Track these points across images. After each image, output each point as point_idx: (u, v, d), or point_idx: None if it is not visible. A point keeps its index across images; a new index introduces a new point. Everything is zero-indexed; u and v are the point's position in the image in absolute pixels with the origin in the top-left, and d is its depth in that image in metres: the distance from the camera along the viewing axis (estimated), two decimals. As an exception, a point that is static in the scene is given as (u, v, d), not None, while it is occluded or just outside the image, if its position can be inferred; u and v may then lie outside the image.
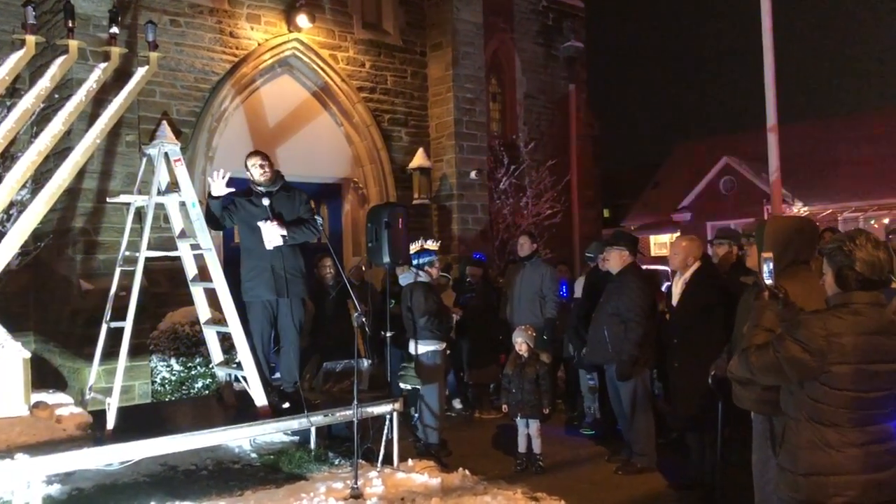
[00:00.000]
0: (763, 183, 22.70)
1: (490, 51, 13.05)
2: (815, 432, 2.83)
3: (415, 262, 6.90)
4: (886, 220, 21.58)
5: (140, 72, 6.81)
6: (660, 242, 28.66)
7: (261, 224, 5.96)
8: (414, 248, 6.96)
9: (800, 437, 2.88)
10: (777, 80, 8.60)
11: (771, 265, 3.24)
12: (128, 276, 5.71)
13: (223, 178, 6.04)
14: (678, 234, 24.04)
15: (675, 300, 5.75)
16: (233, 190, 6.12)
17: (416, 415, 6.82)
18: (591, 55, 15.38)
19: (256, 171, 6.03)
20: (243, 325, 5.97)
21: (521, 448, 6.38)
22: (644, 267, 7.47)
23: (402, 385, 6.85)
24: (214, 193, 6.01)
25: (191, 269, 6.25)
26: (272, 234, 5.93)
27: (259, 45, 10.01)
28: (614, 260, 6.34)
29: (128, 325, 5.40)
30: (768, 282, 3.20)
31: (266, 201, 5.98)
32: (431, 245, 6.99)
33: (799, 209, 23.45)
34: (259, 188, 6.05)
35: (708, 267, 5.79)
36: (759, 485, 3.81)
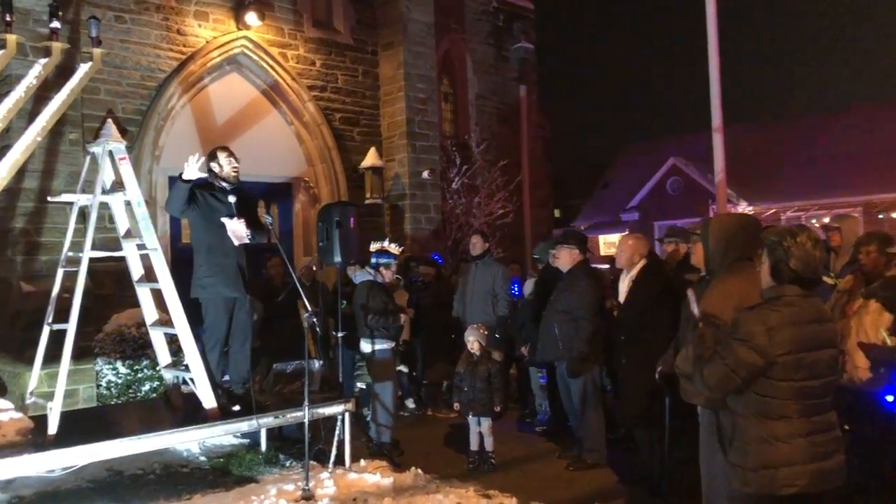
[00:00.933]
0: (709, 183, 23.21)
1: (441, 51, 13.08)
2: (763, 427, 2.90)
3: (373, 260, 6.86)
4: (826, 220, 22.23)
5: (83, 68, 6.63)
6: (609, 242, 29.01)
7: (226, 220, 5.85)
8: (375, 246, 6.92)
9: (749, 433, 2.95)
10: (722, 83, 8.82)
11: (693, 297, 3.44)
12: (71, 278, 5.57)
13: (197, 161, 5.76)
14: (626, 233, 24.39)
15: (622, 297, 5.83)
16: (205, 176, 5.93)
17: (369, 415, 6.80)
18: (542, 56, 15.49)
19: (229, 166, 5.95)
20: (191, 325, 5.86)
21: (474, 446, 6.40)
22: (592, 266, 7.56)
23: (357, 384, 6.82)
24: (186, 177, 5.72)
25: (136, 270, 6.12)
26: (240, 232, 5.86)
27: (207, 42, 9.86)
28: (564, 258, 6.41)
29: (71, 327, 5.26)
30: (696, 312, 3.34)
31: (232, 198, 5.89)
32: (394, 249, 6.94)
33: (743, 209, 24.00)
34: (225, 184, 5.95)
35: (654, 265, 5.87)
36: (706, 479, 3.88)
